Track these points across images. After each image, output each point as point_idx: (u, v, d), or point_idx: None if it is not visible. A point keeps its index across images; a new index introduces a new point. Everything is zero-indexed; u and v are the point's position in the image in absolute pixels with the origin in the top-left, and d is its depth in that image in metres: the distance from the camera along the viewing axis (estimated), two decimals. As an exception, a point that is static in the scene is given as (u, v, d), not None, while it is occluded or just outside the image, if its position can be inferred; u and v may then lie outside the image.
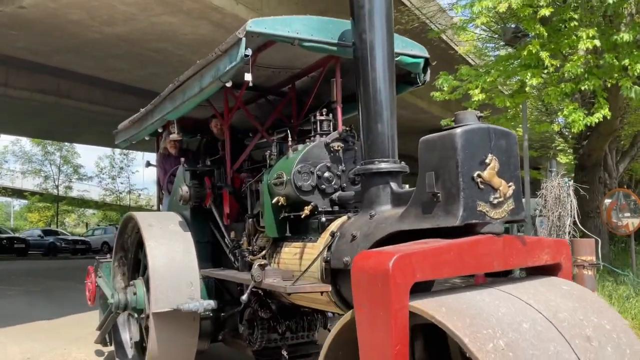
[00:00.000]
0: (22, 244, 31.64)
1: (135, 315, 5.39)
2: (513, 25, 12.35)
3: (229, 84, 4.11)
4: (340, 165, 3.97)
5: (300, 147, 4.05)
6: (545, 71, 11.35)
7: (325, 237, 3.70)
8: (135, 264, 5.97)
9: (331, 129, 4.11)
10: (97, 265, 6.49)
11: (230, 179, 5.00)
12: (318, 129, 4.11)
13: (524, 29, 11.60)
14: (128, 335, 5.88)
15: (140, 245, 5.86)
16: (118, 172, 50.84)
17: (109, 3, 14.66)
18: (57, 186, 47.60)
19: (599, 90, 10.57)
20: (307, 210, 3.82)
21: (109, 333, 6.17)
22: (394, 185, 3.52)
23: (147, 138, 6.48)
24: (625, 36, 9.87)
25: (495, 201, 2.89)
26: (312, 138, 4.13)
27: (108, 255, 6.71)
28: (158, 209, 7.10)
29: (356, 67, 3.64)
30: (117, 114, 21.61)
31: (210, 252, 5.23)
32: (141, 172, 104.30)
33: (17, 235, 34.98)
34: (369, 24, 3.54)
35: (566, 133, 16.17)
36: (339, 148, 3.96)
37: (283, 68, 4.94)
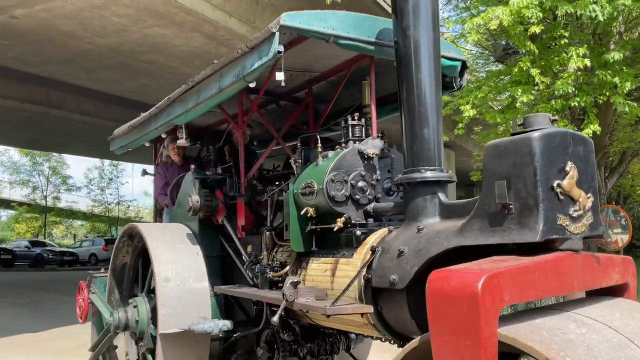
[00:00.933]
0: (9, 255, 30.52)
1: (136, 335, 4.80)
2: (504, 42, 12.14)
3: (252, 84, 3.63)
4: (374, 174, 3.50)
5: (330, 153, 3.56)
6: (536, 88, 11.16)
7: (362, 253, 3.21)
8: (135, 279, 5.38)
9: (363, 135, 3.63)
10: (90, 280, 5.86)
11: (245, 189, 4.49)
12: (350, 134, 3.62)
13: (515, 46, 11.39)
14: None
15: (141, 258, 5.29)
16: (107, 183, 49.44)
17: (102, 14, 14.19)
18: (45, 197, 46.17)
19: (589, 106, 10.34)
20: (340, 223, 3.33)
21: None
22: (442, 195, 3.06)
23: (147, 144, 5.91)
24: (616, 55, 9.68)
25: (575, 214, 2.45)
26: (342, 144, 3.64)
27: (102, 270, 6.09)
28: (155, 221, 6.52)
29: (398, 66, 3.19)
30: (107, 125, 20.76)
31: (220, 267, 4.68)
32: (131, 183, 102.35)
33: (3, 246, 33.81)
34: (414, 20, 3.11)
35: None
36: (374, 155, 3.48)
37: (301, 71, 4.47)
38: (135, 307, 4.76)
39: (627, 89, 9.57)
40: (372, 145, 3.48)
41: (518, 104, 11.95)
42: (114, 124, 20.92)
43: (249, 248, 4.12)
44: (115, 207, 49.85)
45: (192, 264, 4.42)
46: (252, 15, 15.83)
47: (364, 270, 3.05)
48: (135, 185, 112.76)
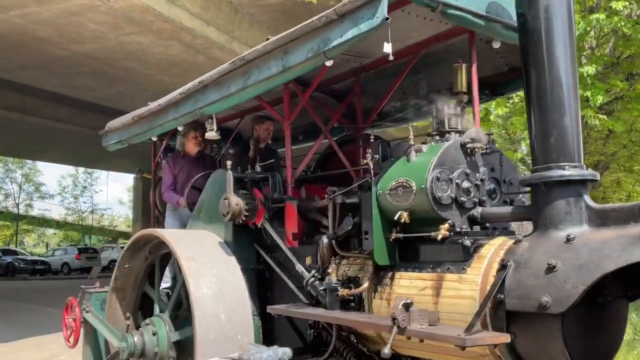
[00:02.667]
0: (-21, 263, 28.05)
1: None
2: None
3: (329, 63, 2.83)
4: (477, 172, 2.75)
5: (424, 147, 2.79)
6: (510, 101, 10.88)
7: (481, 267, 2.44)
8: (144, 296, 4.41)
9: (459, 126, 2.87)
10: (82, 297, 4.81)
11: (292, 190, 3.65)
12: (447, 125, 2.86)
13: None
14: None
15: (161, 265, 4.33)
16: (81, 191, 46.48)
17: (78, 21, 13.16)
18: (17, 204, 42.85)
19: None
20: (444, 230, 2.55)
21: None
22: (587, 198, 2.34)
23: (154, 138, 4.94)
24: (590, 70, 9.45)
25: None
26: (433, 136, 2.88)
27: (97, 284, 5.03)
28: (153, 226, 5.54)
29: (525, 42, 2.51)
30: (82, 132, 19.41)
31: (255, 282, 3.80)
32: (105, 191, 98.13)
33: (-27, 254, 31.06)
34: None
35: (529, 161, 15.82)
36: (479, 150, 2.73)
37: (353, 56, 3.69)
38: (152, 330, 3.80)
39: (598, 102, 9.35)
40: (479, 139, 2.74)
41: (492, 117, 11.62)
42: (88, 130, 19.56)
43: (308, 260, 3.26)
44: (88, 215, 46.85)
45: (232, 279, 3.53)
46: (230, 24, 15.03)
47: (494, 289, 2.28)
48: (109, 193, 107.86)
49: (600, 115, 9.74)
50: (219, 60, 13.13)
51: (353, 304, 3.01)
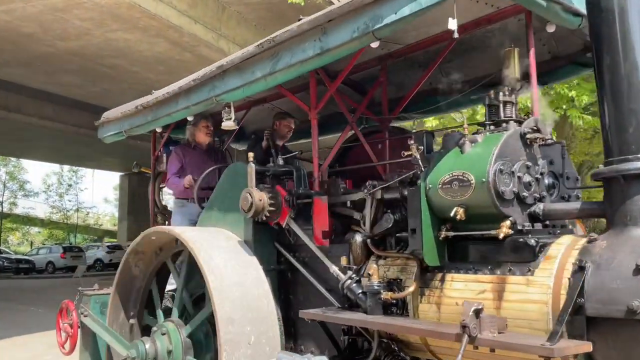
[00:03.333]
0: (-37, 262, 27.03)
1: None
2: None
3: (375, 45, 2.54)
4: (536, 165, 2.49)
5: (479, 137, 2.51)
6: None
7: (552, 269, 2.18)
8: (149, 298, 4.06)
9: (513, 115, 2.60)
10: (79, 300, 4.42)
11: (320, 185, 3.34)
12: (502, 114, 2.59)
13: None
14: None
15: (159, 273, 4.00)
16: (66, 190, 45.02)
17: (64, 17, 12.80)
18: (1, 202, 41.25)
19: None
20: (505, 228, 2.29)
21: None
22: (669, 192, 2.10)
23: (158, 130, 4.57)
24: None
25: None
26: (486, 126, 2.61)
27: (96, 285, 4.64)
28: (153, 224, 5.16)
29: (596, 24, 2.26)
30: (67, 130, 18.78)
31: (277, 285, 3.48)
32: (90, 189, 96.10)
33: (-43, 253, 29.95)
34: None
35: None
36: (540, 142, 2.48)
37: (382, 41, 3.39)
38: (166, 335, 3.45)
39: (583, 102, 9.23)
40: (540, 129, 2.48)
41: (479, 116, 11.47)
42: (74, 128, 18.90)
43: (343, 260, 2.95)
44: (74, 213, 45.47)
45: (256, 281, 3.21)
46: (217, 22, 14.70)
47: (575, 293, 2.02)
48: (95, 191, 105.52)
49: (586, 116, 9.56)
50: (206, 58, 12.80)
51: (395, 309, 2.73)
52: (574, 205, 2.39)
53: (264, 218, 3.27)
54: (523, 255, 2.30)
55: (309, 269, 3.32)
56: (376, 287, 2.68)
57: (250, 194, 3.24)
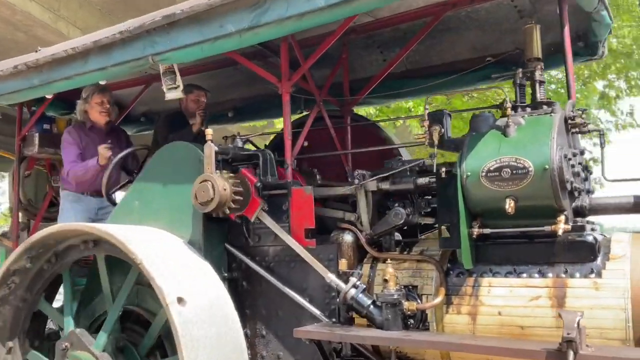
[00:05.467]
0: None
1: None
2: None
3: None
4: (579, 154, 2.23)
5: (525, 119, 2.14)
6: None
7: (624, 269, 1.91)
8: (33, 321, 2.98)
9: (544, 96, 2.29)
10: None
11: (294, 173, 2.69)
12: (538, 94, 2.26)
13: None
14: None
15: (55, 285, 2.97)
16: None
17: None
18: None
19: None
20: (562, 224, 1.96)
21: None
22: None
23: (49, 96, 3.44)
24: None
25: None
26: (525, 109, 2.25)
27: None
28: (16, 229, 3.99)
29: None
30: None
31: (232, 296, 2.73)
32: None
33: None
34: None
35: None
36: (579, 127, 2.21)
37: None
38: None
39: None
40: (579, 114, 2.21)
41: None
42: None
43: (342, 264, 2.35)
44: None
45: (217, 293, 2.44)
46: (56, 2, 12.65)
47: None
48: None
49: None
50: (41, 40, 10.91)
51: (412, 321, 2.24)
52: (626, 199, 2.16)
53: (227, 212, 2.53)
54: (581, 254, 2.00)
55: (276, 276, 2.65)
56: (396, 297, 2.16)
57: (212, 182, 2.47)
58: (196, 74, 3.67)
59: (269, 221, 2.57)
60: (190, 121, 3.92)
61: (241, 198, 2.56)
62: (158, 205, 2.83)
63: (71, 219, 3.55)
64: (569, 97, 2.36)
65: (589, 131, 2.26)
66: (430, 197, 2.40)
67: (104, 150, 3.35)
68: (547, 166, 1.95)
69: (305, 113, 3.84)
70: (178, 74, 2.72)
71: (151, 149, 3.51)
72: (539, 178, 1.96)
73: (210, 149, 2.54)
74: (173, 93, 2.72)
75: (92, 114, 3.64)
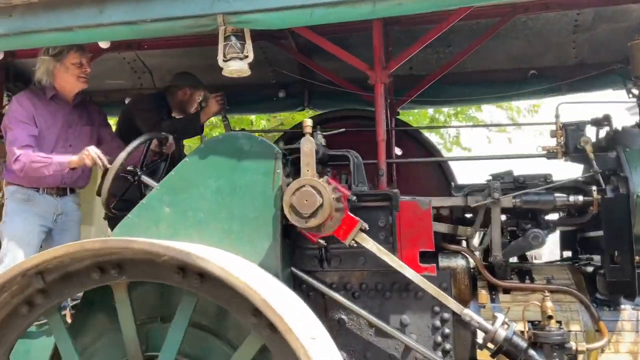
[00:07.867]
0: None
1: None
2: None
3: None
4: None
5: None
6: None
7: None
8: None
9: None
10: None
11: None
12: None
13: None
14: None
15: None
16: None
17: None
18: None
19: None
20: None
21: None
22: None
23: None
24: None
25: None
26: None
27: None
28: None
29: None
30: None
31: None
32: None
33: None
34: None
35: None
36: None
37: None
38: None
39: None
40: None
41: None
42: None
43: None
44: None
45: (321, 328, 1.85)
46: None
47: None
48: None
49: None
50: None
51: (562, 363, 1.93)
52: None
53: (330, 231, 1.94)
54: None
55: (365, 308, 2.13)
56: (563, 337, 1.83)
57: (319, 189, 1.87)
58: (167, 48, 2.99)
59: (371, 245, 2.04)
60: (173, 113, 3.24)
61: (338, 214, 2.00)
62: (206, 215, 2.09)
63: (18, 228, 2.50)
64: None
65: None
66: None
67: (93, 155, 2.41)
68: None
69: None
70: (249, 40, 2.03)
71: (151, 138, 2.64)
72: None
73: (312, 145, 1.93)
74: (238, 63, 2.01)
75: (65, 78, 2.63)
